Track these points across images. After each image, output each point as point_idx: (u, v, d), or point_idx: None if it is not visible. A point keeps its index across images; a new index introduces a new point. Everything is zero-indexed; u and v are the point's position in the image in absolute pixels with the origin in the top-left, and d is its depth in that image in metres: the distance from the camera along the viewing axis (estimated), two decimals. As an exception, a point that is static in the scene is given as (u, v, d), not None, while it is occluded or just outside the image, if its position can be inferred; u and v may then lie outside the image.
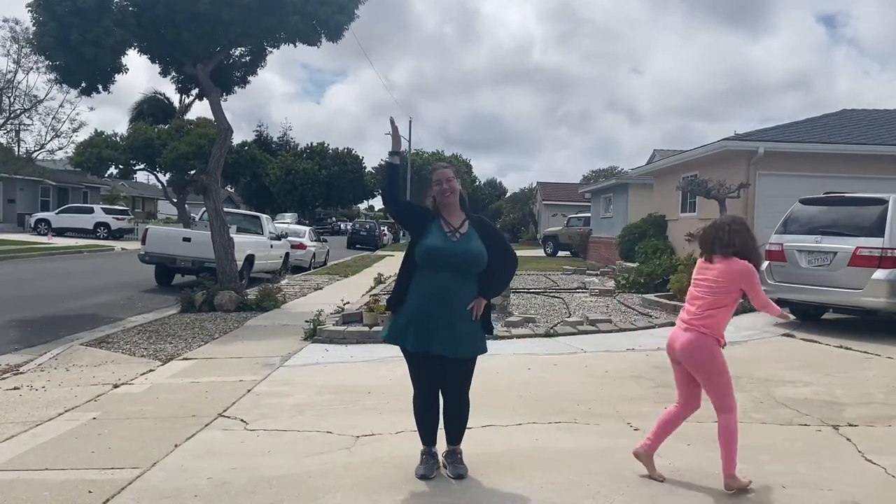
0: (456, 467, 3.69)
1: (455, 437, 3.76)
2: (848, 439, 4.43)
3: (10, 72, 31.00)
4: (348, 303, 10.16)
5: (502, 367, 6.40)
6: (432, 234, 3.62)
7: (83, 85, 11.48)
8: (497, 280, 3.76)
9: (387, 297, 10.94)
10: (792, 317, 8.53)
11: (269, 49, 12.37)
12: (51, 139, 33.45)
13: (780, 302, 9.52)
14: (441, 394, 3.72)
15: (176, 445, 4.22)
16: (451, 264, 3.56)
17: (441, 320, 3.53)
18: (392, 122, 3.84)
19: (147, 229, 14.61)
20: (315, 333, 8.01)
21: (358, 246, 38.14)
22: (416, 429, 3.79)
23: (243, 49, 12.59)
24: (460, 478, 3.65)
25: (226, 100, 13.35)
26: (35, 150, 34.25)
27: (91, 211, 35.37)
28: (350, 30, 11.32)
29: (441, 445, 3.80)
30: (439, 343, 3.52)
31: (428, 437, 3.78)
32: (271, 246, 16.01)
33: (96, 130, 29.81)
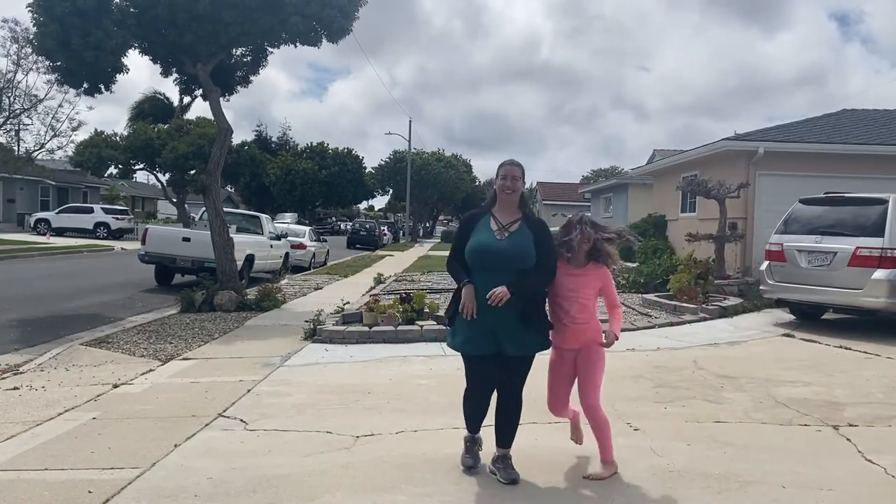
0: (509, 472, 3.63)
1: (509, 439, 3.72)
2: (848, 439, 4.43)
3: (10, 72, 30.95)
4: (348, 303, 10.15)
5: (502, 367, 6.38)
6: (479, 233, 3.60)
7: (85, 86, 11.50)
8: (526, 282, 3.53)
9: (387, 296, 10.96)
10: None
11: (270, 49, 12.38)
12: (50, 139, 33.42)
13: (780, 302, 9.57)
14: (497, 394, 3.72)
15: (176, 445, 4.22)
16: (494, 262, 3.49)
17: (493, 319, 3.48)
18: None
19: (147, 229, 14.59)
20: (315, 333, 8.01)
21: (358, 246, 38.10)
22: (416, 429, 3.81)
23: (244, 49, 12.60)
24: (514, 482, 3.59)
25: (228, 100, 13.38)
26: (35, 150, 34.22)
27: (91, 211, 35.35)
28: (352, 30, 11.33)
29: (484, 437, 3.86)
30: (493, 340, 3.53)
31: (474, 427, 3.83)
32: (271, 246, 16.00)
33: (96, 130, 29.89)
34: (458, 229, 3.81)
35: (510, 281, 3.45)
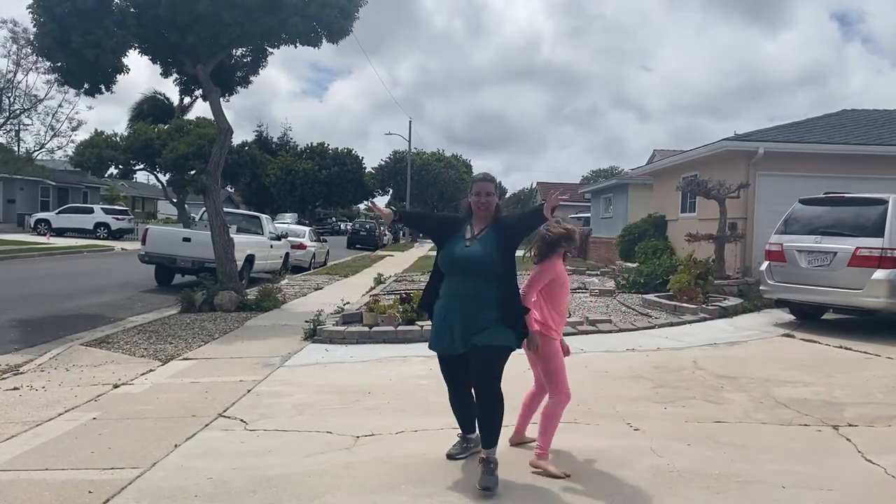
0: (484, 478, 3.47)
1: (485, 439, 3.59)
2: (848, 439, 4.43)
3: (10, 72, 30.94)
4: (348, 303, 10.15)
5: (502, 368, 6.38)
6: (455, 240, 3.75)
7: (85, 86, 11.51)
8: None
9: (387, 297, 10.98)
10: None
11: (270, 50, 12.39)
12: (50, 139, 33.42)
13: (780, 302, 9.58)
14: (475, 394, 3.73)
15: (176, 445, 4.22)
16: (464, 268, 3.66)
17: (462, 319, 3.62)
18: (372, 204, 3.99)
19: (147, 229, 14.60)
20: (315, 333, 8.01)
21: (358, 246, 38.12)
22: (416, 429, 3.90)
23: (244, 49, 12.61)
24: (487, 490, 3.44)
25: (228, 100, 13.38)
26: (35, 150, 34.22)
27: (91, 211, 35.39)
28: (352, 30, 11.34)
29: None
30: (461, 339, 3.62)
31: (464, 428, 4.02)
32: (271, 246, 16.01)
33: (96, 130, 29.85)
34: (442, 216, 4.10)
35: (480, 284, 3.62)
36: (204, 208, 13.91)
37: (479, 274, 3.62)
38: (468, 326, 3.60)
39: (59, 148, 33.84)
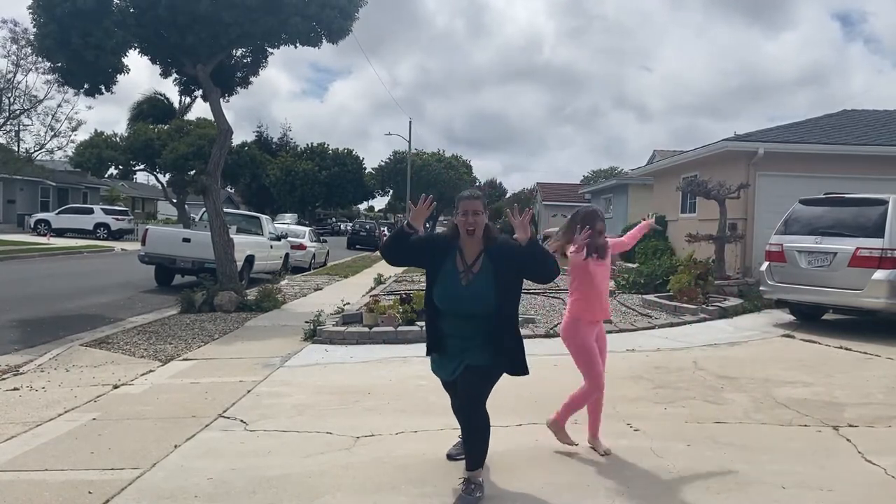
0: (462, 499, 3.38)
1: (472, 460, 3.46)
2: (848, 440, 4.43)
3: (9, 72, 30.94)
4: (348, 303, 10.15)
5: (502, 368, 6.38)
6: (446, 273, 3.53)
7: (85, 86, 11.52)
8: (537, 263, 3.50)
9: (387, 297, 10.96)
10: None
11: (270, 50, 12.39)
12: (50, 139, 33.41)
13: (780, 302, 9.58)
14: (459, 411, 3.63)
15: (176, 446, 4.22)
16: (460, 309, 3.48)
17: (458, 350, 3.52)
18: (425, 200, 3.54)
19: (147, 230, 14.60)
20: (315, 334, 8.01)
21: (358, 246, 38.12)
22: (416, 430, 3.88)
23: (244, 50, 12.61)
24: None
25: (228, 101, 13.38)
26: (34, 151, 34.21)
27: (91, 211, 35.39)
28: (352, 30, 11.34)
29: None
30: (455, 368, 3.52)
31: None
32: (271, 246, 16.01)
33: (96, 131, 29.83)
34: (427, 238, 3.75)
35: (476, 324, 3.47)
36: (204, 209, 13.90)
37: (477, 315, 3.46)
38: (466, 349, 3.48)
39: (59, 148, 33.88)
